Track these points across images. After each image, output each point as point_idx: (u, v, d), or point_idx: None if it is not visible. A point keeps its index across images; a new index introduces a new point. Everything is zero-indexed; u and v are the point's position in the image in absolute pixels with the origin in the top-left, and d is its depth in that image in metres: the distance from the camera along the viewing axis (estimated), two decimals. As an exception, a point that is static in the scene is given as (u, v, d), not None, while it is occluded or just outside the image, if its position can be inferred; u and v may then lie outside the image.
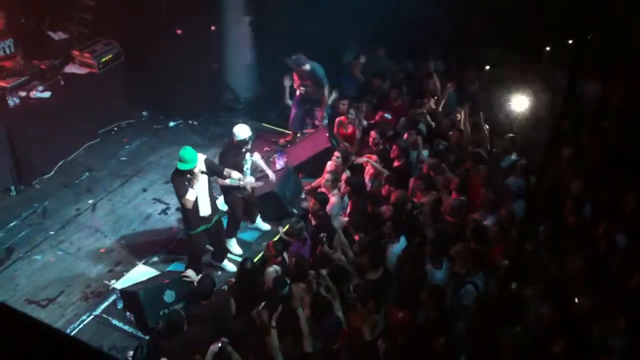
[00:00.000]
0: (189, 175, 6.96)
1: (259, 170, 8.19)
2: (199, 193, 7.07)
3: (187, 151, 6.97)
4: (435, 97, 9.89)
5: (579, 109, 9.32)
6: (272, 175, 8.17)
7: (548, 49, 10.71)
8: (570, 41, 10.39)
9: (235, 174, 7.52)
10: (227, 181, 7.58)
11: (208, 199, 7.24)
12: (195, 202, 7.08)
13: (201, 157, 7.12)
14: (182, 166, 6.94)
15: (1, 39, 9.34)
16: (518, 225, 7.17)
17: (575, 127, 8.90)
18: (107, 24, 10.01)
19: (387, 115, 9.45)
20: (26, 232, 8.40)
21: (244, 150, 7.76)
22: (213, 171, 7.33)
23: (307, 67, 9.57)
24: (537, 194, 7.65)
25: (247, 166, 7.86)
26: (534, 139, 8.73)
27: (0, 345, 1.70)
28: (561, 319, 5.82)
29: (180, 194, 7.03)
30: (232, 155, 7.75)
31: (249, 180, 7.80)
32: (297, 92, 9.85)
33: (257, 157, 8.14)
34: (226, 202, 8.06)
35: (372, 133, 8.94)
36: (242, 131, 7.74)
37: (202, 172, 7.06)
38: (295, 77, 9.79)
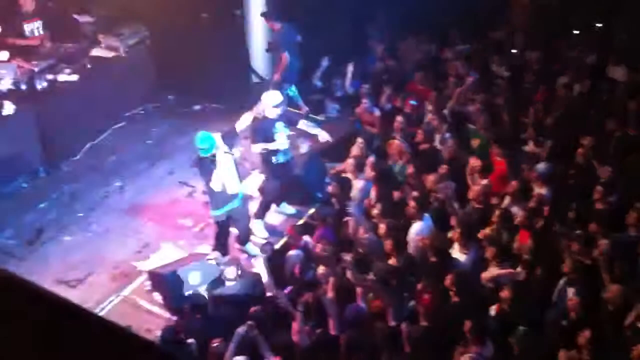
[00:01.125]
0: (212, 158, 6.96)
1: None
2: (226, 173, 7.05)
3: (203, 137, 6.93)
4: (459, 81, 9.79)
5: (608, 94, 9.19)
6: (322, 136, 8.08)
7: (576, 32, 10.53)
8: (599, 25, 10.22)
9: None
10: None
11: (236, 177, 7.24)
12: (223, 182, 7.05)
13: (219, 137, 7.06)
14: (203, 153, 6.93)
15: (30, 20, 9.37)
16: (547, 211, 7.11)
17: (602, 111, 8.78)
18: (134, 7, 10.03)
19: (413, 102, 9.36)
20: (55, 213, 8.51)
21: (276, 118, 7.60)
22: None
23: (277, 25, 8.98)
24: (565, 179, 7.62)
25: (277, 136, 7.67)
26: (560, 124, 8.63)
27: (31, 324, 1.71)
28: (590, 306, 5.77)
29: (207, 179, 7.05)
30: (263, 126, 7.60)
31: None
32: None
33: (302, 124, 8.06)
34: (263, 180, 8.01)
35: (398, 118, 8.86)
36: (275, 98, 7.55)
37: (225, 152, 7.05)
38: None
